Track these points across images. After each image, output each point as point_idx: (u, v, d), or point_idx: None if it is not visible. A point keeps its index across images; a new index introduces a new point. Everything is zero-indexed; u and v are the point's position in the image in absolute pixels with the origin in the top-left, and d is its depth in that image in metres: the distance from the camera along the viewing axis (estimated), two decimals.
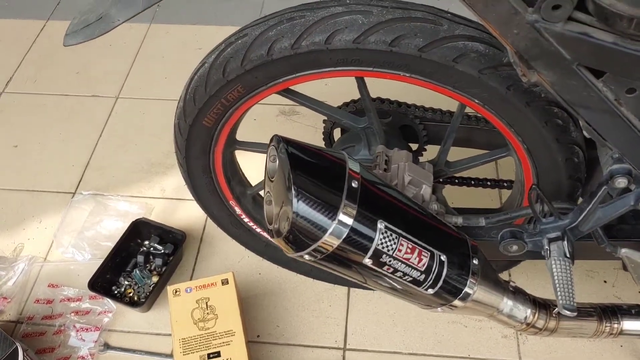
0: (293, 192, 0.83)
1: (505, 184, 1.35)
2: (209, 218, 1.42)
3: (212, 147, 1.18)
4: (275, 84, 1.05)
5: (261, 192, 1.40)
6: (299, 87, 1.12)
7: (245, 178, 1.37)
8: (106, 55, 2.24)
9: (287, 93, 1.12)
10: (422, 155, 1.32)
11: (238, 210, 1.34)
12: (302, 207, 0.83)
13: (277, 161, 0.91)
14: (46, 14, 2.43)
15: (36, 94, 2.12)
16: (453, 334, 1.47)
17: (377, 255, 0.88)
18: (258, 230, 1.40)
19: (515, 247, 1.02)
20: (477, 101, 0.99)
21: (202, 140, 1.17)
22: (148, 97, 2.08)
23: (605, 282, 1.55)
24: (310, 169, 0.87)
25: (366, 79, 1.09)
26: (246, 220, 1.37)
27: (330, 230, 0.85)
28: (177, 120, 1.15)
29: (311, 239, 0.86)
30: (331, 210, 0.85)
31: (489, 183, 1.35)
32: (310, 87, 1.16)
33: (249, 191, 1.36)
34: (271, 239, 0.91)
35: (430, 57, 0.93)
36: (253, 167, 1.44)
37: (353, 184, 0.87)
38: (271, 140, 0.92)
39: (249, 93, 1.07)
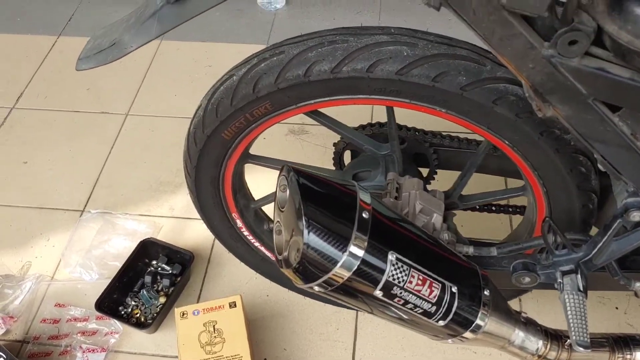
0: (304, 223, 0.82)
1: (518, 210, 1.34)
2: (211, 233, 1.41)
3: (225, 159, 1.17)
4: (306, 105, 1.04)
5: (263, 207, 1.39)
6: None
7: (250, 192, 1.37)
8: (116, 71, 2.25)
9: (314, 114, 1.11)
10: (433, 179, 1.31)
11: (240, 223, 1.33)
12: (312, 239, 0.82)
13: (288, 191, 0.90)
14: (58, 30, 2.45)
15: (47, 110, 2.13)
16: None
17: (388, 287, 0.87)
18: (256, 244, 1.38)
19: (527, 279, 1.00)
20: (507, 142, 0.99)
21: (217, 151, 1.15)
22: (158, 114, 2.09)
23: (617, 308, 1.53)
24: (321, 200, 0.86)
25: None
26: (246, 233, 1.36)
27: (341, 262, 0.84)
28: (193, 129, 1.13)
29: (321, 270, 0.85)
30: (342, 242, 0.84)
31: (501, 208, 1.34)
32: None
33: (252, 205, 1.35)
34: (280, 269, 0.90)
35: (471, 96, 0.93)
36: (258, 180, 1.44)
37: (364, 215, 0.86)
38: (281, 170, 0.92)
39: (276, 110, 1.06)
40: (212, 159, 1.16)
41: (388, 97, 0.98)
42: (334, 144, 1.33)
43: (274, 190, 1.32)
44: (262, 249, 1.39)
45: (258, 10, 2.48)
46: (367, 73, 0.94)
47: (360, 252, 0.84)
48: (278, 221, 0.94)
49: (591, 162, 1.01)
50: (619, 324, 1.50)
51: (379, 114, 1.93)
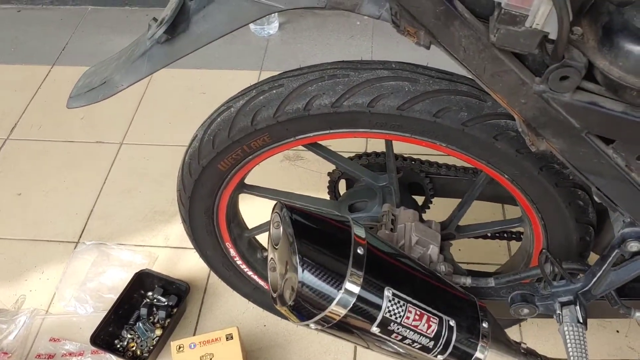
0: (298, 260, 0.81)
1: (514, 237, 1.33)
2: (204, 262, 1.39)
3: (220, 190, 1.16)
4: (304, 138, 1.04)
5: (257, 236, 1.38)
6: None
7: (243, 221, 1.36)
8: (111, 100, 2.19)
9: (313, 146, 1.11)
10: (429, 208, 1.31)
11: (233, 252, 1.32)
12: (307, 277, 0.81)
13: (281, 228, 0.89)
14: (52, 60, 2.45)
15: (41, 140, 2.12)
16: None
17: (384, 324, 0.86)
18: (249, 273, 1.37)
19: (526, 311, 0.99)
20: (506, 177, 0.99)
21: (212, 182, 1.14)
22: (152, 143, 2.08)
23: (617, 332, 1.52)
24: (315, 237, 0.85)
25: None
26: (239, 262, 1.34)
27: (336, 300, 0.83)
28: (188, 159, 1.11)
29: (317, 308, 0.84)
30: (337, 279, 0.83)
31: (497, 235, 1.33)
32: None
33: (246, 234, 1.34)
34: (275, 307, 0.89)
35: (472, 131, 0.93)
36: (252, 209, 1.43)
37: (359, 251, 0.85)
38: (274, 207, 0.91)
39: (274, 143, 1.05)
40: (206, 190, 1.15)
41: (389, 131, 0.98)
42: (329, 174, 1.33)
43: (268, 219, 1.32)
44: (255, 277, 1.38)
45: (251, 36, 2.49)
46: (368, 108, 0.94)
47: (356, 289, 0.83)
48: (272, 258, 0.93)
49: (589, 196, 1.01)
50: (620, 348, 1.48)
51: (374, 143, 1.92)
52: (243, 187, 1.21)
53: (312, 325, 0.87)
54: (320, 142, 1.10)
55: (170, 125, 2.14)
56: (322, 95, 0.95)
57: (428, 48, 0.75)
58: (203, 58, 2.40)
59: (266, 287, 1.39)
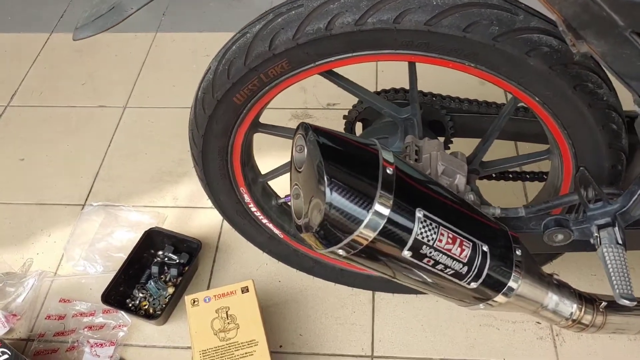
0: (325, 182, 0.77)
1: (536, 177, 1.29)
2: (216, 209, 1.34)
3: (235, 127, 1.10)
4: (325, 63, 0.98)
5: (270, 183, 1.33)
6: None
7: (257, 165, 1.31)
8: (112, 65, 2.20)
9: (331, 75, 1.06)
10: (449, 148, 1.26)
11: (247, 198, 1.27)
12: (335, 198, 0.77)
13: (305, 151, 0.85)
14: (50, 27, 2.39)
15: (42, 106, 2.07)
16: (485, 337, 1.40)
17: (416, 247, 0.82)
18: (264, 221, 1.33)
19: (560, 237, 0.95)
20: (537, 99, 0.94)
21: (227, 118, 1.08)
22: (156, 106, 2.03)
23: None
24: (342, 158, 0.81)
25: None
26: (254, 209, 1.30)
27: (365, 222, 0.79)
28: (202, 94, 1.06)
29: (345, 232, 0.80)
30: (366, 200, 0.79)
31: (519, 175, 1.29)
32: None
33: (260, 179, 1.29)
34: (300, 235, 0.85)
35: (503, 47, 0.88)
36: (263, 158, 1.39)
37: (388, 171, 0.81)
38: (297, 129, 0.87)
39: (293, 70, 0.99)
40: (220, 127, 1.09)
41: (415, 51, 0.93)
42: (344, 116, 1.28)
43: (279, 164, 1.28)
44: (270, 225, 1.33)
45: None
46: (394, 24, 0.88)
47: (385, 211, 0.79)
48: (296, 184, 0.89)
49: (622, 119, 0.97)
50: None
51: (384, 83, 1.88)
52: (258, 126, 1.16)
53: (339, 252, 0.82)
54: (336, 71, 1.05)
55: (175, 87, 2.09)
56: (345, 13, 0.90)
57: None
58: (206, 22, 2.36)
59: (282, 236, 1.35)
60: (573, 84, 0.90)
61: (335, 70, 1.04)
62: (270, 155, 1.49)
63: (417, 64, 1.06)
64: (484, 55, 0.90)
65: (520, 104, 1.13)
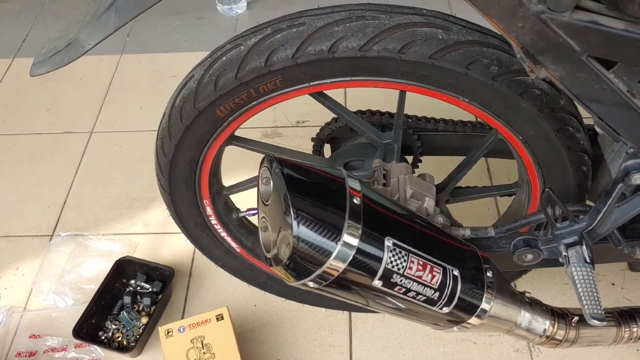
0: (292, 215, 0.76)
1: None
2: (174, 220, 1.29)
3: (212, 139, 1.07)
4: (319, 84, 0.96)
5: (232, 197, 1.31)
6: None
7: (221, 178, 1.28)
8: (77, 89, 2.16)
9: (320, 95, 1.04)
10: (417, 167, 1.26)
11: (210, 210, 1.24)
12: (303, 231, 0.76)
13: (271, 183, 0.84)
14: (12, 52, 2.35)
15: (6, 134, 2.03)
16: (463, 353, 1.40)
17: (387, 276, 0.82)
18: (223, 234, 1.30)
19: (530, 256, 0.96)
20: (520, 137, 0.98)
21: (205, 130, 1.05)
22: (124, 130, 2.00)
23: (613, 284, 1.50)
24: (308, 190, 0.80)
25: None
26: (214, 222, 1.27)
27: (335, 254, 0.78)
28: (181, 102, 1.01)
29: (315, 264, 0.79)
30: (335, 232, 0.78)
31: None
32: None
33: (224, 192, 1.26)
34: (270, 268, 0.84)
35: (500, 87, 0.89)
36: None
37: (355, 202, 0.81)
38: (262, 161, 0.86)
39: (285, 88, 0.97)
40: (196, 138, 1.06)
41: (413, 82, 0.93)
42: (316, 135, 1.26)
43: (245, 177, 1.26)
44: (229, 239, 1.30)
45: (219, 17, 2.42)
46: (398, 54, 0.88)
47: (354, 241, 0.79)
48: (263, 217, 0.88)
49: (591, 162, 1.01)
50: (617, 300, 1.47)
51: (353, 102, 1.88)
52: (233, 139, 1.12)
53: (310, 284, 0.82)
54: (326, 92, 1.04)
55: (142, 110, 2.06)
56: (350, 37, 0.88)
57: None
58: (171, 42, 2.34)
59: (238, 250, 1.32)
60: (557, 127, 0.93)
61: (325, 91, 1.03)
62: (236, 168, 1.47)
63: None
64: (480, 92, 0.91)
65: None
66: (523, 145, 0.98)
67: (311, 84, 0.96)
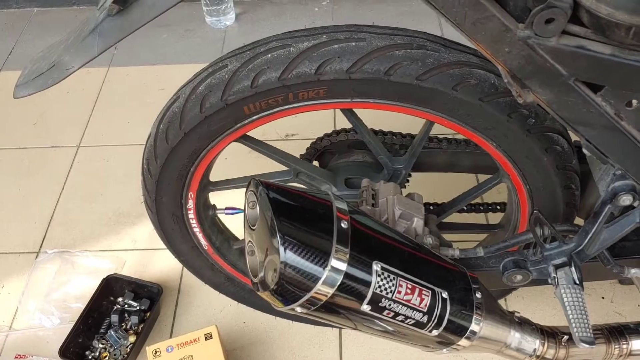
0: (279, 240, 0.75)
1: (498, 208, 1.30)
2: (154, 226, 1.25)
3: (201, 154, 1.08)
4: (363, 102, 0.96)
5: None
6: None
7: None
8: (64, 103, 2.15)
9: (348, 112, 1.06)
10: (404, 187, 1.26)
11: (191, 203, 1.20)
12: (290, 256, 0.76)
13: (257, 207, 0.83)
14: None
15: None
16: None
17: (375, 300, 0.81)
18: (196, 230, 1.25)
19: (519, 277, 0.95)
20: (517, 170, 1.00)
21: (195, 146, 1.05)
22: (111, 144, 1.99)
23: (603, 298, 1.50)
24: (295, 214, 0.79)
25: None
26: (191, 216, 1.22)
27: (322, 279, 0.77)
28: (165, 126, 1.02)
29: (302, 289, 0.78)
30: (322, 257, 0.77)
31: (481, 208, 1.30)
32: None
33: (210, 187, 1.23)
34: (257, 293, 0.83)
35: (489, 108, 0.91)
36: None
37: (343, 225, 0.80)
38: (248, 185, 0.85)
39: (325, 99, 0.96)
40: (188, 152, 1.06)
41: (454, 119, 0.96)
42: (310, 145, 1.24)
43: (231, 177, 1.24)
44: (200, 235, 1.26)
45: (207, 28, 2.41)
46: (452, 90, 0.90)
47: (342, 266, 0.78)
48: (250, 241, 0.87)
49: (579, 182, 1.02)
50: (607, 314, 1.47)
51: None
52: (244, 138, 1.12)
53: (298, 309, 0.81)
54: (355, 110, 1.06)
55: (130, 124, 2.04)
56: (410, 64, 0.90)
57: None
58: (159, 54, 2.33)
59: (207, 247, 1.29)
60: (545, 147, 0.94)
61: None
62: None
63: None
64: (474, 115, 0.94)
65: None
66: (513, 168, 1.00)
67: (353, 100, 0.95)
